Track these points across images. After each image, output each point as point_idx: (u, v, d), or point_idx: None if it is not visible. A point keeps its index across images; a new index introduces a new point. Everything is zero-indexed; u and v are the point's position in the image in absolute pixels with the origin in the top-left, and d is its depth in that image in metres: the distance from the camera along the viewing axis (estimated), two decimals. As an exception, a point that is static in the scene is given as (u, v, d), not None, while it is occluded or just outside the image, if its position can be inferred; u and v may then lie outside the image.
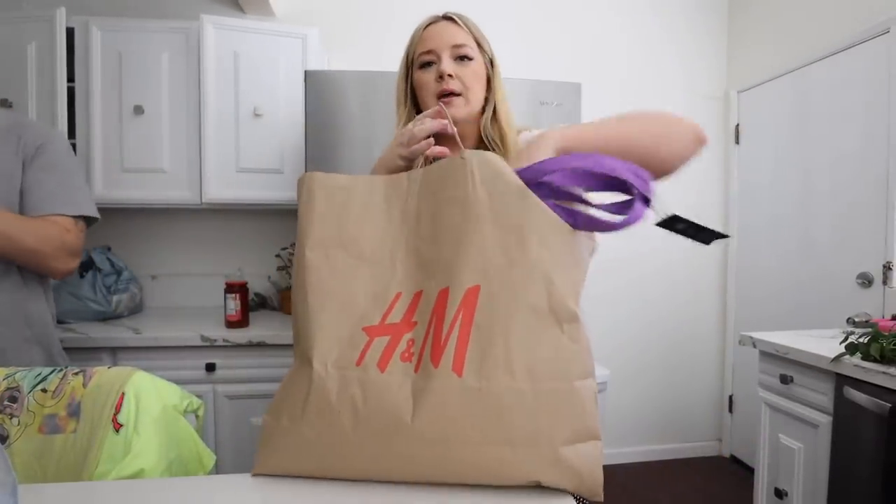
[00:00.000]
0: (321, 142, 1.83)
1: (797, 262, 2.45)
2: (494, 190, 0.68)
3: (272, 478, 0.74)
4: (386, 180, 0.75)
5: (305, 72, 1.86)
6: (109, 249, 2.31)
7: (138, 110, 2.11)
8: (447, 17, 1.03)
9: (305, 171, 1.84)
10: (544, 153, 0.78)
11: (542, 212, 0.67)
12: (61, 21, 2.02)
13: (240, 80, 2.14)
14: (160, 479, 0.91)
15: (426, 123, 0.88)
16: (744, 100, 2.82)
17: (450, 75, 0.97)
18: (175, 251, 2.52)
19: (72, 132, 2.09)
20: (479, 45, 1.02)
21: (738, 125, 2.85)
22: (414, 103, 1.05)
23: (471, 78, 1.00)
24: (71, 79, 2.08)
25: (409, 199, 0.73)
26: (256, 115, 2.15)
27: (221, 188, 2.16)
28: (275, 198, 2.20)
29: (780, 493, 1.66)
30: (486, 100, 1.04)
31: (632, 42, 2.83)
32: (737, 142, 2.86)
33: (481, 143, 1.05)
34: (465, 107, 1.00)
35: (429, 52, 1.00)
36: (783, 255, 2.54)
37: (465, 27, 1.01)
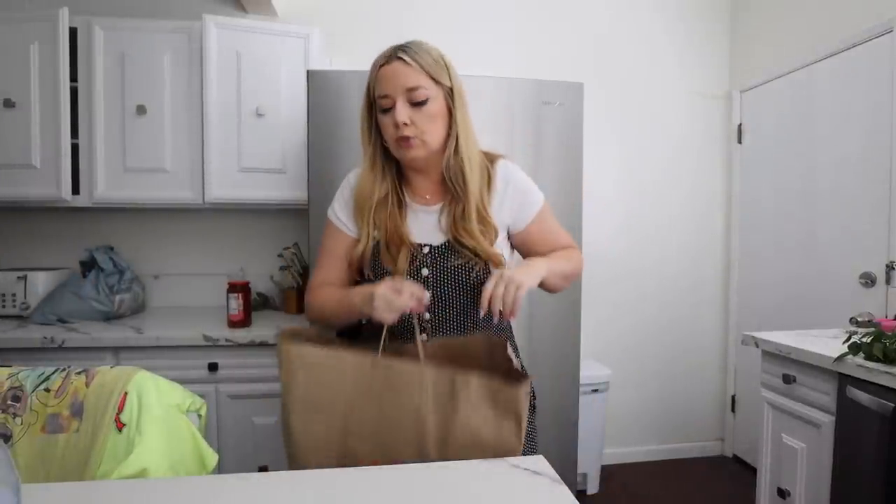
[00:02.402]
0: (323, 141, 1.83)
1: (800, 261, 2.44)
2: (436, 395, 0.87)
3: (273, 476, 0.74)
4: (353, 362, 0.90)
5: (308, 71, 1.86)
6: (112, 249, 2.32)
7: (141, 110, 2.12)
8: (398, 58, 1.02)
9: (308, 172, 1.85)
10: (537, 275, 1.02)
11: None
12: (64, 21, 2.03)
13: (242, 79, 2.14)
14: (162, 479, 0.91)
15: (390, 312, 0.93)
16: (746, 99, 2.81)
17: (405, 123, 1.01)
18: (177, 251, 2.52)
19: (74, 132, 2.10)
20: (435, 80, 1.03)
21: (740, 125, 2.84)
22: (379, 138, 1.09)
23: (426, 122, 1.03)
24: (74, 79, 2.08)
25: (372, 384, 0.89)
26: (259, 115, 2.15)
27: (223, 188, 2.16)
28: (277, 197, 2.20)
29: (782, 493, 1.66)
30: (449, 133, 1.07)
31: (634, 41, 2.82)
32: (739, 141, 2.85)
33: (439, 186, 1.12)
34: (423, 148, 1.04)
35: (385, 96, 1.03)
36: (786, 254, 2.53)
37: (417, 65, 1.02)
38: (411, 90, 1.01)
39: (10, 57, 2.04)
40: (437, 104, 1.04)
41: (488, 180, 1.11)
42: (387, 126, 1.04)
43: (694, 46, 2.88)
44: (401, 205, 1.11)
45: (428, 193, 1.13)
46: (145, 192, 2.17)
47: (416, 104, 1.02)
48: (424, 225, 1.11)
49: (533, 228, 1.14)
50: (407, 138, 1.02)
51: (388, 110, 1.03)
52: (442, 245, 1.08)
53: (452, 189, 1.08)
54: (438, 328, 1.09)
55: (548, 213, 1.17)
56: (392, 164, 1.12)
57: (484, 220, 1.08)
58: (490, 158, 1.15)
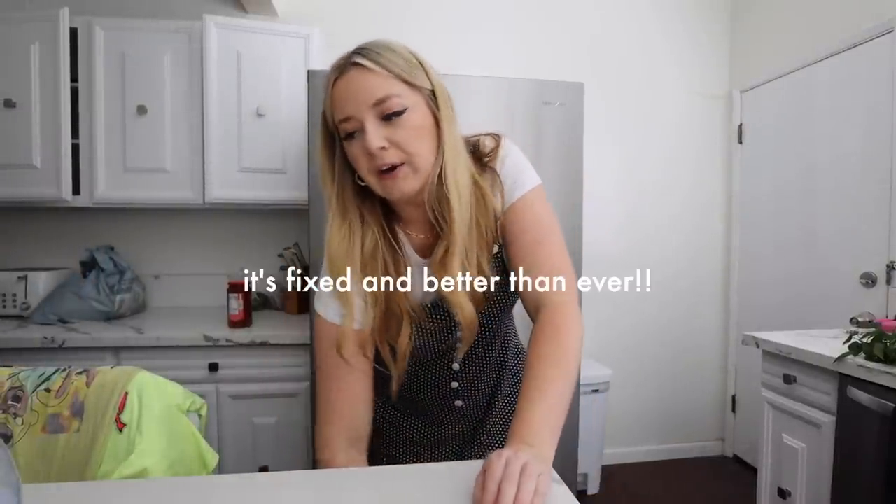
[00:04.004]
0: (323, 141, 1.83)
1: (800, 261, 2.44)
2: None
3: (274, 476, 0.74)
4: None
5: (308, 71, 1.86)
6: (112, 249, 2.32)
7: (141, 110, 2.12)
8: (354, 64, 0.77)
9: (308, 172, 1.85)
10: (550, 453, 0.70)
11: None
12: (65, 21, 2.03)
13: (242, 79, 2.14)
14: (163, 479, 0.91)
15: None
16: (747, 99, 2.81)
17: (382, 148, 0.75)
18: (178, 251, 2.52)
19: (75, 132, 2.10)
20: (409, 84, 0.78)
21: (741, 125, 2.84)
22: (349, 171, 0.83)
23: (411, 138, 0.77)
24: (74, 79, 2.08)
25: None
26: (259, 115, 2.15)
27: (224, 188, 2.16)
28: (277, 197, 2.20)
29: (783, 493, 1.65)
30: (438, 149, 0.81)
31: (635, 42, 2.82)
32: (740, 141, 2.85)
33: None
34: (414, 176, 0.78)
35: (347, 119, 0.77)
36: (786, 254, 2.53)
37: (382, 69, 0.76)
38: (381, 102, 0.75)
39: (11, 57, 2.04)
40: (418, 113, 0.78)
41: (482, 196, 0.85)
42: (358, 158, 0.78)
43: (694, 46, 2.88)
44: (395, 256, 0.87)
45: (423, 232, 0.89)
46: (146, 192, 2.17)
47: (391, 116, 0.76)
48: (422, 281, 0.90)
49: (512, 214, 0.86)
50: (390, 168, 0.77)
51: (355, 135, 0.77)
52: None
53: (436, 226, 0.84)
54: (470, 393, 1.00)
55: (539, 205, 0.87)
56: (373, 202, 0.86)
57: (469, 265, 0.84)
58: (481, 156, 0.89)
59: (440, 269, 0.83)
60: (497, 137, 0.91)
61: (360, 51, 0.78)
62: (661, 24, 2.84)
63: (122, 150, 2.14)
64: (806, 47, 2.40)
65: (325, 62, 2.33)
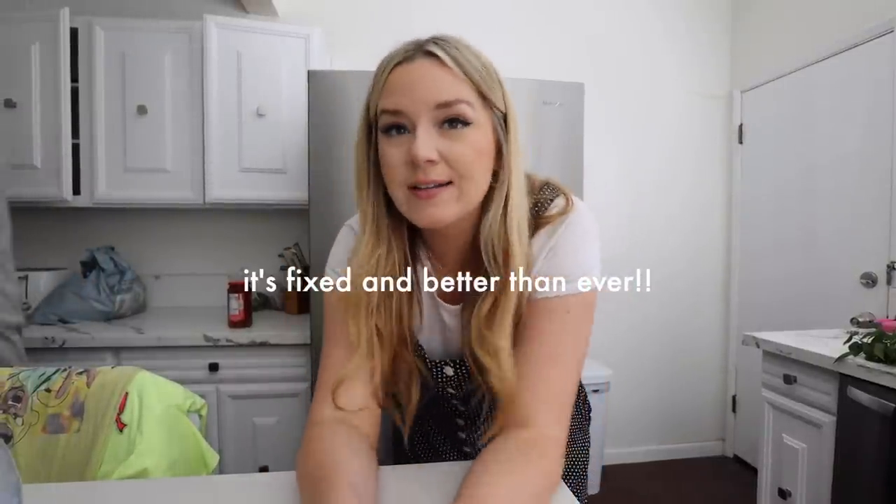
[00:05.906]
0: (324, 142, 1.83)
1: (800, 261, 2.44)
2: None
3: (274, 476, 0.74)
4: None
5: (308, 72, 1.85)
6: (113, 249, 2.32)
7: (141, 110, 2.12)
8: (427, 52, 0.63)
9: (308, 172, 1.85)
10: None
11: None
12: (65, 21, 2.03)
13: (243, 79, 2.14)
14: (163, 479, 0.91)
15: None
16: (747, 99, 2.81)
17: (430, 160, 0.60)
18: (178, 251, 2.53)
19: (75, 132, 2.10)
20: (484, 97, 0.64)
21: (741, 125, 2.84)
22: (381, 182, 0.68)
23: (468, 158, 0.62)
24: (75, 79, 2.09)
25: None
26: (259, 115, 2.15)
27: (224, 188, 2.16)
28: (277, 198, 2.20)
29: (783, 494, 1.65)
30: (495, 181, 0.67)
31: (635, 42, 2.82)
32: (740, 141, 2.85)
33: (475, 253, 0.70)
34: (457, 203, 0.64)
35: (396, 112, 0.62)
36: (786, 254, 2.53)
37: (458, 68, 0.62)
38: (447, 105, 0.61)
39: (11, 57, 2.04)
40: (482, 134, 0.64)
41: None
42: (392, 164, 0.63)
43: (695, 46, 2.88)
44: (412, 298, 0.74)
45: (459, 270, 0.74)
46: (146, 193, 2.17)
47: (452, 124, 0.62)
48: (452, 330, 0.77)
49: (541, 310, 0.68)
50: (429, 186, 0.62)
51: (398, 133, 0.63)
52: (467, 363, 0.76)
53: (489, 270, 0.68)
54: (475, 443, 0.91)
55: (577, 315, 0.69)
56: (402, 226, 0.72)
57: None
58: (539, 220, 0.71)
59: (486, 327, 0.67)
60: (570, 199, 0.73)
61: (437, 40, 0.63)
62: (662, 24, 2.84)
63: (123, 150, 2.14)
64: (806, 47, 2.40)
65: (325, 62, 2.34)
